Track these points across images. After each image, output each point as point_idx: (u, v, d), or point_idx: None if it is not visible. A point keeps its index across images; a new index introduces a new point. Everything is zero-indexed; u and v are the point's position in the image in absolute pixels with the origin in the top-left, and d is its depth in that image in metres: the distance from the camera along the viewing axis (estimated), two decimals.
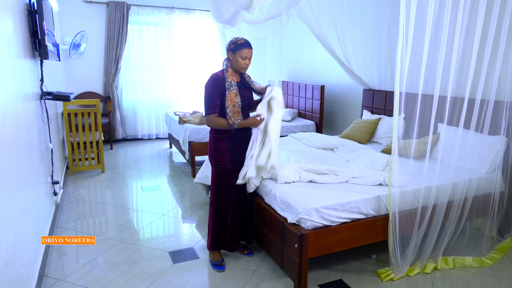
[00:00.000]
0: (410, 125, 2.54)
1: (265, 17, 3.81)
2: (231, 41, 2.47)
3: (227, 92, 2.44)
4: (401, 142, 2.90)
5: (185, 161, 5.25)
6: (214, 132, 2.55)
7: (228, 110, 2.44)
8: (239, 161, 2.54)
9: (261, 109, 2.51)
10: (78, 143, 4.62)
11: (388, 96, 4.27)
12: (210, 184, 3.59)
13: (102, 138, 4.86)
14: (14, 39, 2.21)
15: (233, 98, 2.45)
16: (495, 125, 2.75)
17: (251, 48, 2.48)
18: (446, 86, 2.41)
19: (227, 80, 2.46)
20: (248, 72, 2.64)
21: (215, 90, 2.45)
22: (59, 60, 3.85)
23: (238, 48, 2.43)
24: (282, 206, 2.44)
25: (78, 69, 6.21)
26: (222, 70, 2.51)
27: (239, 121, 2.47)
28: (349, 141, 3.86)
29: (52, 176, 3.25)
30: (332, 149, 3.64)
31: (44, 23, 2.71)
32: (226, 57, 2.52)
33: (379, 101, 4.42)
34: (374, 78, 4.52)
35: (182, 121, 4.99)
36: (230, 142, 2.53)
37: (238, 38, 2.48)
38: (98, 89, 6.47)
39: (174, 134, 5.47)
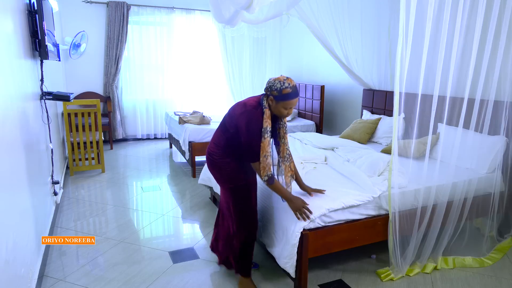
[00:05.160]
0: (410, 125, 2.55)
1: (265, 17, 3.82)
2: (274, 87, 2.06)
3: (262, 139, 2.12)
4: (401, 142, 2.90)
5: (185, 161, 5.25)
6: (222, 150, 2.25)
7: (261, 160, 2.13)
8: (250, 173, 2.32)
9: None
10: (78, 143, 4.62)
11: (388, 96, 4.27)
12: (210, 186, 3.61)
13: (102, 138, 4.87)
14: (14, 39, 2.22)
15: (265, 147, 2.10)
16: (495, 125, 2.75)
17: (298, 96, 2.13)
18: (445, 86, 2.41)
19: (263, 125, 2.10)
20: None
21: (259, 131, 2.11)
22: (59, 60, 3.85)
23: (282, 98, 2.06)
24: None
25: (78, 69, 6.21)
26: (259, 109, 2.11)
27: (273, 176, 2.16)
28: (349, 141, 3.86)
29: (52, 176, 3.25)
30: (333, 149, 3.64)
31: (44, 23, 2.71)
32: (264, 95, 2.15)
33: (379, 101, 4.42)
34: (374, 78, 4.53)
35: (182, 121, 4.99)
36: (236, 159, 2.28)
37: (283, 83, 2.05)
38: (98, 89, 6.48)
39: (174, 134, 5.47)
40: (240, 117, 2.12)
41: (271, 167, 2.14)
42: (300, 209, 2.18)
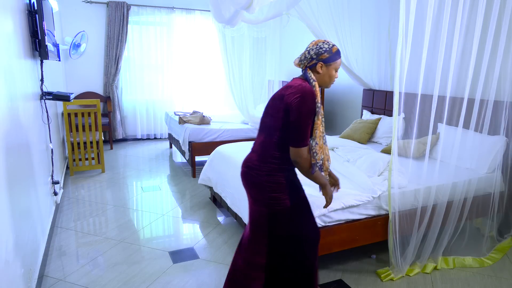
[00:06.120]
0: (409, 125, 2.55)
1: (265, 17, 3.82)
2: (322, 49, 1.83)
3: (315, 118, 1.83)
4: (401, 142, 2.90)
5: (185, 161, 5.25)
6: (270, 161, 1.85)
7: (314, 143, 1.83)
8: (298, 196, 1.95)
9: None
10: (78, 143, 4.62)
11: (388, 96, 4.27)
12: (210, 186, 3.61)
13: (102, 138, 4.87)
14: (14, 39, 2.22)
15: (320, 128, 1.83)
16: (495, 125, 2.76)
17: None
18: (445, 86, 2.42)
19: (317, 101, 1.82)
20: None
21: (314, 109, 1.81)
22: (59, 60, 3.85)
23: (335, 58, 1.85)
24: None
25: (78, 69, 6.21)
26: (310, 84, 1.85)
27: (320, 164, 1.87)
28: (349, 141, 3.86)
29: (52, 176, 3.25)
30: (332, 149, 3.64)
31: (44, 23, 2.71)
32: (306, 69, 1.89)
33: (379, 101, 4.42)
34: (374, 78, 4.52)
35: (182, 121, 5.00)
36: (288, 174, 1.91)
37: (328, 43, 1.85)
38: (98, 89, 6.48)
39: (174, 134, 5.47)
40: (291, 96, 1.79)
41: (324, 151, 1.88)
42: (331, 197, 1.99)
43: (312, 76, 1.86)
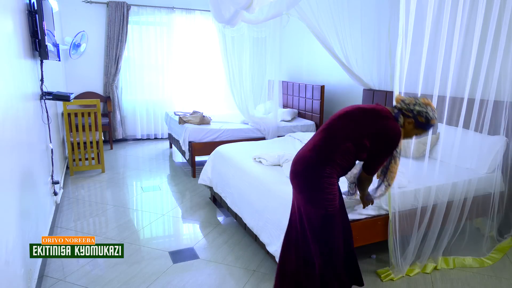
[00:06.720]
0: None
1: (265, 17, 3.82)
2: (427, 113, 1.88)
3: (393, 162, 1.99)
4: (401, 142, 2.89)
5: (185, 161, 5.25)
6: (331, 165, 1.87)
7: (386, 184, 2.07)
8: (340, 197, 2.03)
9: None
10: (78, 143, 4.62)
11: (388, 96, 4.27)
12: (210, 186, 3.61)
13: (102, 138, 4.87)
14: (14, 39, 2.21)
15: (396, 169, 1.99)
16: (495, 125, 2.75)
17: None
18: (445, 86, 2.42)
19: (399, 145, 1.92)
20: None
21: (392, 152, 1.95)
22: (59, 60, 3.85)
23: (426, 128, 1.94)
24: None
25: (78, 69, 6.21)
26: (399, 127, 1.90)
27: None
28: None
29: (52, 176, 3.25)
30: None
31: (44, 23, 2.71)
32: (400, 111, 1.93)
33: (379, 101, 4.42)
34: (374, 78, 4.52)
35: (182, 121, 5.00)
36: (337, 178, 1.97)
37: (434, 112, 1.91)
38: (98, 89, 6.48)
39: (174, 134, 5.47)
40: (387, 125, 1.86)
41: None
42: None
43: (401, 122, 1.93)
